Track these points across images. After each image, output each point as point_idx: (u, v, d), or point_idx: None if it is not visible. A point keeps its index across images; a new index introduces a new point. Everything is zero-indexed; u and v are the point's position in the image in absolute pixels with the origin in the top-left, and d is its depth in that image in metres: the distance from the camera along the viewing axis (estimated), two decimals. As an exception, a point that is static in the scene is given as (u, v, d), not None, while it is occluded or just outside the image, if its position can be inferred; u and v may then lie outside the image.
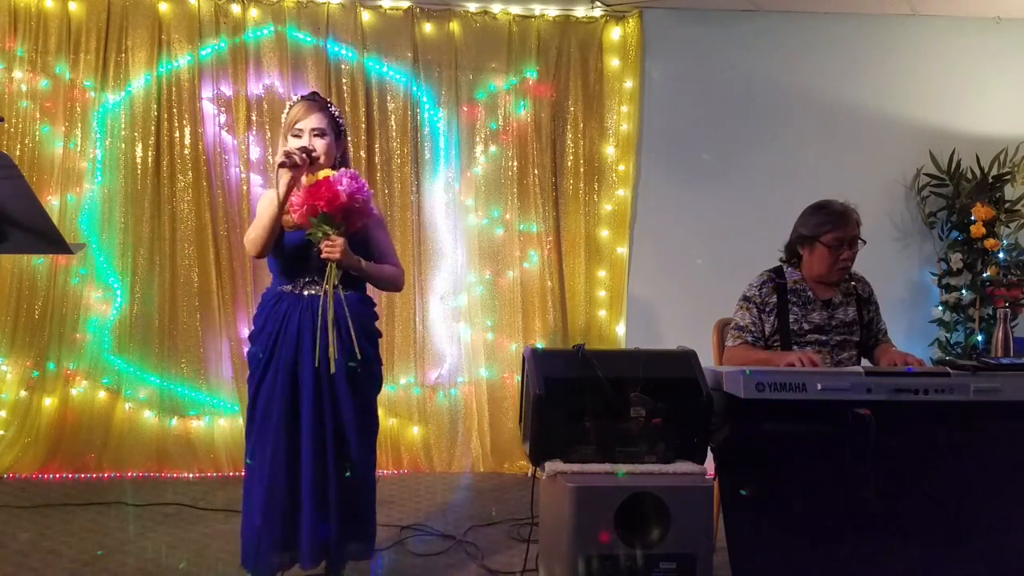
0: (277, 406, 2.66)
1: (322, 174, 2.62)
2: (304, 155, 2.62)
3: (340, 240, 2.58)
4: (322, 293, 2.64)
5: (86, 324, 4.42)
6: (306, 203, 2.54)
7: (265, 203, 2.68)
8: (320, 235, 2.57)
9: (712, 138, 4.80)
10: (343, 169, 2.63)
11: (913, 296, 4.89)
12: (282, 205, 2.62)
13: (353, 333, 2.66)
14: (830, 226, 2.91)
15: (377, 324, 2.87)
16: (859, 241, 2.95)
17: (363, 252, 2.72)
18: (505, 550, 3.34)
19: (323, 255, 2.59)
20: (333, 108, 2.75)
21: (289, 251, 2.72)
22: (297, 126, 2.69)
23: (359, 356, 2.66)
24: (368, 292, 2.85)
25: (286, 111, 2.75)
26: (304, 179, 2.62)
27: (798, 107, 4.80)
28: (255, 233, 2.68)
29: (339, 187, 2.53)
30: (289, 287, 2.72)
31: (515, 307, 4.67)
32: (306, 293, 2.70)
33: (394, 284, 2.87)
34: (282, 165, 2.57)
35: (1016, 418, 2.48)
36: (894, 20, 4.82)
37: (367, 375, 2.76)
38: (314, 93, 2.81)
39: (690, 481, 2.38)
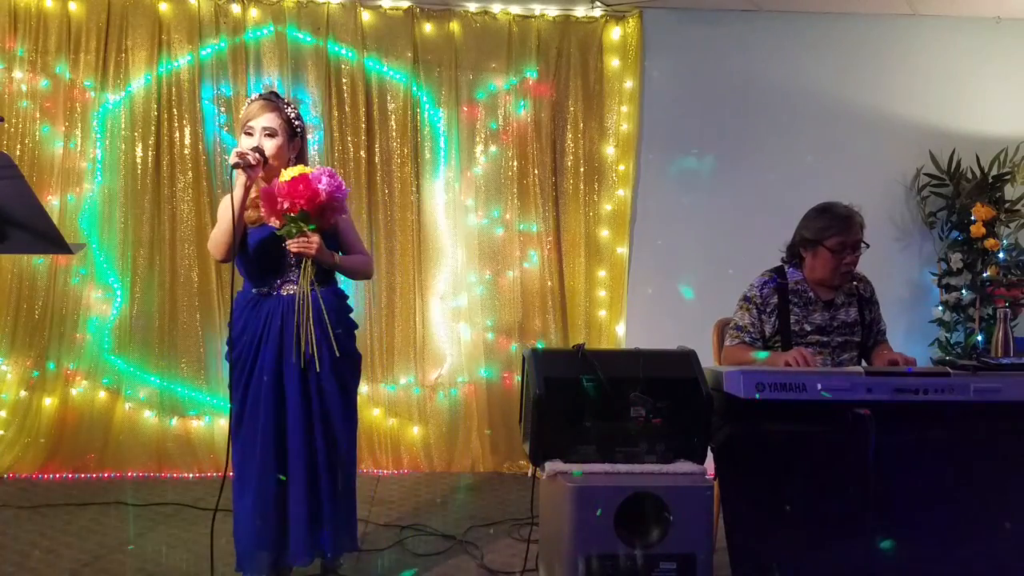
0: (264, 408, 2.67)
1: (295, 171, 2.56)
2: (257, 154, 2.61)
3: (316, 237, 2.58)
4: (298, 291, 2.65)
5: (86, 324, 4.42)
6: (286, 199, 2.51)
7: (224, 207, 2.65)
8: (294, 232, 2.56)
9: (712, 138, 4.80)
10: (320, 167, 2.60)
11: (913, 296, 4.89)
12: (240, 206, 2.60)
13: (331, 327, 2.68)
14: (834, 230, 2.90)
15: (352, 316, 2.87)
16: (862, 245, 2.94)
17: (333, 243, 2.73)
18: (505, 550, 3.34)
19: (296, 250, 2.58)
20: (289, 109, 2.74)
21: (260, 252, 2.70)
22: (249, 124, 2.69)
23: (338, 353, 2.68)
24: (339, 285, 2.88)
25: (244, 108, 2.74)
26: (281, 175, 2.58)
27: (798, 107, 4.80)
28: (217, 237, 2.66)
29: (319, 185, 2.51)
30: (265, 289, 2.72)
31: (515, 307, 4.67)
32: (284, 293, 2.70)
33: (365, 273, 2.90)
34: (236, 166, 2.57)
35: (1016, 418, 2.48)
36: (894, 20, 4.81)
37: (351, 368, 2.79)
38: (271, 92, 2.81)
39: (690, 481, 2.38)
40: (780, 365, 2.67)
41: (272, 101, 2.72)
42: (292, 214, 2.53)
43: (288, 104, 2.75)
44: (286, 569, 2.76)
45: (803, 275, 3.00)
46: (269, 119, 2.68)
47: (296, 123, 2.74)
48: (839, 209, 2.94)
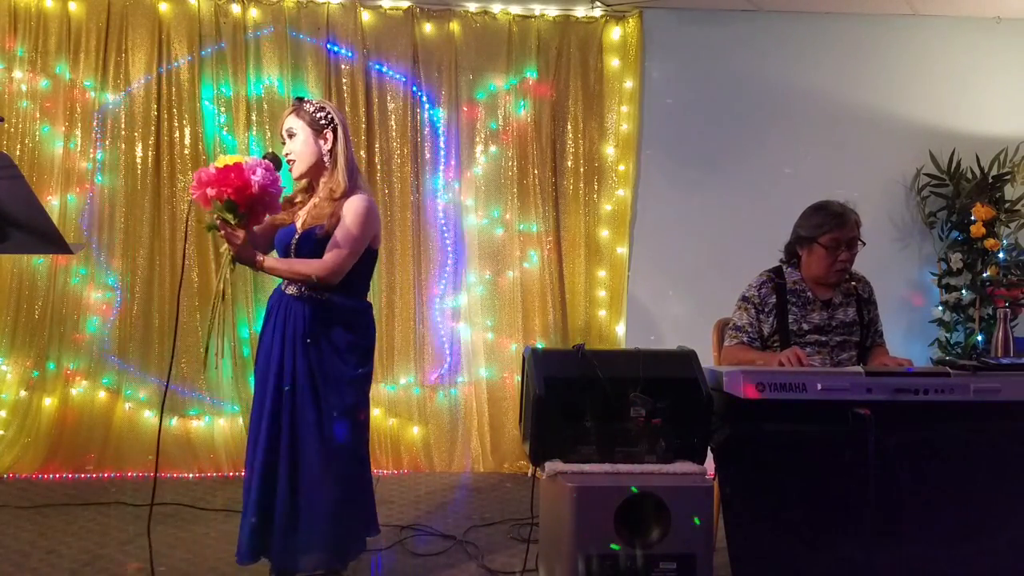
0: (255, 405, 2.72)
1: (230, 159, 2.44)
2: (264, 170, 2.55)
3: (242, 232, 2.48)
4: (215, 289, 2.53)
5: (86, 324, 4.42)
6: (215, 186, 2.39)
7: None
8: (216, 222, 2.44)
9: (712, 138, 4.80)
10: (254, 158, 2.49)
11: (913, 296, 4.89)
12: (247, 261, 2.60)
13: (308, 339, 2.62)
14: (828, 227, 2.91)
15: (356, 331, 2.72)
16: (858, 243, 2.95)
17: (322, 245, 2.64)
18: (505, 550, 3.34)
19: (226, 242, 2.49)
20: (309, 105, 2.75)
21: (278, 249, 2.78)
22: (281, 133, 2.77)
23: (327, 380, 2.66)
24: (345, 294, 2.71)
25: None
26: (217, 159, 2.49)
27: (798, 107, 4.80)
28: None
29: (252, 176, 2.42)
30: (282, 284, 2.75)
31: (515, 307, 4.67)
32: (286, 291, 2.71)
33: (311, 279, 2.61)
34: (211, 228, 2.50)
35: (1016, 418, 2.48)
36: (894, 20, 4.82)
37: (335, 389, 2.64)
38: (296, 98, 2.84)
39: (690, 481, 2.38)
40: (774, 365, 2.67)
41: (292, 105, 2.78)
42: (219, 202, 2.41)
43: (309, 102, 2.77)
44: (288, 571, 2.75)
45: (801, 275, 3.01)
46: (289, 121, 2.75)
47: (318, 116, 2.73)
48: (834, 207, 2.96)
